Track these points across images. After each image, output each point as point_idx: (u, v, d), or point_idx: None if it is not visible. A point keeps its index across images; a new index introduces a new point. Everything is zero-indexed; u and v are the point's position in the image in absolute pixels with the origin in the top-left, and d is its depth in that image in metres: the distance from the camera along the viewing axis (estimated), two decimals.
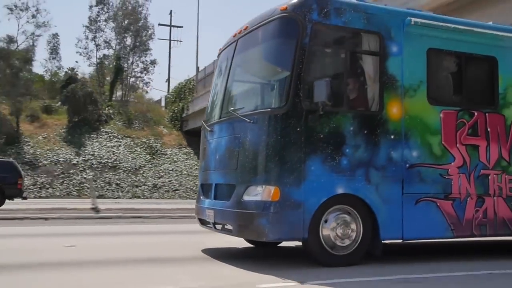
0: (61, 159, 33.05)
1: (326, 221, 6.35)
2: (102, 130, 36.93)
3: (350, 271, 6.21)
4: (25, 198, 19.83)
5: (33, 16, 39.78)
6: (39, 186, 30.79)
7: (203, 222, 7.61)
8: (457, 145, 7.10)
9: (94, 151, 34.58)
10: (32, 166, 31.84)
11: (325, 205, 6.31)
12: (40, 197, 29.13)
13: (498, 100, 7.47)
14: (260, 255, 7.61)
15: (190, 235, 10.17)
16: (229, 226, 6.70)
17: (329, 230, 6.36)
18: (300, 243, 6.63)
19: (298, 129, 6.21)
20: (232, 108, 7.01)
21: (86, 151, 34.37)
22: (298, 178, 6.17)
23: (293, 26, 6.41)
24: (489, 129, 7.34)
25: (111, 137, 36.61)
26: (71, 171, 32.44)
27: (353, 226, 6.49)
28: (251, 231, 6.40)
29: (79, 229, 11.57)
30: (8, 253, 7.58)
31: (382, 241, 6.66)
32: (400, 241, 6.93)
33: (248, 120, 6.41)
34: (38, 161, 32.51)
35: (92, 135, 35.99)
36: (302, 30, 6.35)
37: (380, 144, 6.63)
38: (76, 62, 77.79)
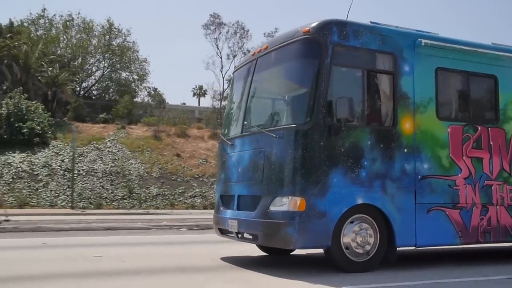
0: None
1: (346, 229, 6.77)
2: None
3: (371, 276, 6.63)
4: None
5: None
6: None
7: (223, 232, 7.95)
8: (463, 157, 7.62)
9: None
10: None
11: (346, 215, 6.73)
12: None
13: (499, 116, 8.03)
14: (280, 262, 7.94)
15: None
16: (254, 235, 7.05)
17: (350, 238, 6.78)
18: (310, 251, 6.90)
19: (322, 143, 6.64)
20: (256, 124, 7.41)
21: None
22: (322, 190, 6.59)
23: (316, 47, 6.85)
24: (491, 143, 7.89)
25: None
26: None
27: (371, 234, 6.92)
28: (278, 240, 6.77)
29: None
30: None
31: (397, 248, 7.10)
32: (413, 248, 7.38)
33: (274, 135, 6.80)
34: None
35: None
36: (324, 50, 6.79)
37: (395, 157, 7.09)
38: None
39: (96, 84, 48.32)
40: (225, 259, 8.14)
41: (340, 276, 6.59)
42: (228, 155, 7.98)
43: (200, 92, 43.38)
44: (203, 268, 7.35)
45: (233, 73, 8.85)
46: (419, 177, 7.25)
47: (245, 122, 7.63)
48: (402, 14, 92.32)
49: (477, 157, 7.75)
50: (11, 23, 38.35)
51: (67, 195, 24.54)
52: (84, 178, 26.00)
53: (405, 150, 7.18)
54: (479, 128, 7.82)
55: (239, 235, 7.38)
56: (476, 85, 8.07)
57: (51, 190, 24.73)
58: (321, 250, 7.02)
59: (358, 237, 6.82)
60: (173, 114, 39.98)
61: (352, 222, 6.82)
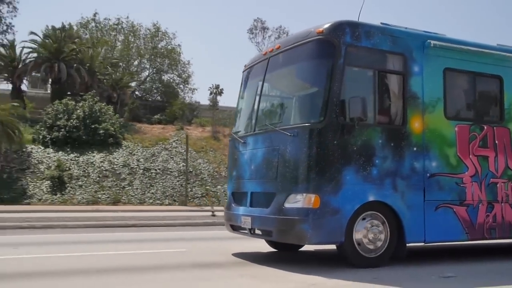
0: None
1: (358, 226, 6.94)
2: None
3: (381, 271, 6.81)
4: None
5: None
6: None
7: (235, 228, 8.09)
8: (470, 156, 7.81)
9: None
10: None
11: (359, 212, 6.91)
12: None
13: (504, 115, 8.24)
14: (290, 258, 8.10)
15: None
16: (268, 232, 7.20)
17: (361, 234, 6.96)
18: (318, 247, 6.90)
19: (335, 142, 6.80)
20: (269, 122, 7.56)
21: None
22: (336, 187, 6.76)
23: (329, 47, 7.00)
24: (496, 142, 8.09)
25: None
26: None
27: (382, 230, 7.10)
28: (292, 236, 6.93)
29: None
30: None
31: (407, 244, 7.29)
32: (422, 243, 7.57)
33: (288, 134, 6.95)
34: None
35: None
36: (337, 51, 6.95)
37: (405, 155, 7.27)
38: None
39: (140, 86, 49.75)
40: (237, 254, 8.29)
41: (352, 271, 6.76)
42: (240, 152, 8.11)
43: (216, 91, 43.50)
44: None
45: (243, 72, 8.95)
46: (428, 175, 7.43)
47: (257, 121, 7.77)
48: (400, 13, 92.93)
49: (483, 155, 7.95)
50: (63, 26, 38.71)
51: (152, 193, 26.42)
52: (163, 177, 27.44)
53: (415, 149, 7.36)
54: (485, 127, 8.02)
55: (252, 231, 7.52)
56: (482, 85, 8.27)
57: (136, 188, 26.30)
58: (328, 246, 7.18)
59: (370, 233, 7.00)
60: (222, 115, 40.99)
61: (363, 218, 6.99)
